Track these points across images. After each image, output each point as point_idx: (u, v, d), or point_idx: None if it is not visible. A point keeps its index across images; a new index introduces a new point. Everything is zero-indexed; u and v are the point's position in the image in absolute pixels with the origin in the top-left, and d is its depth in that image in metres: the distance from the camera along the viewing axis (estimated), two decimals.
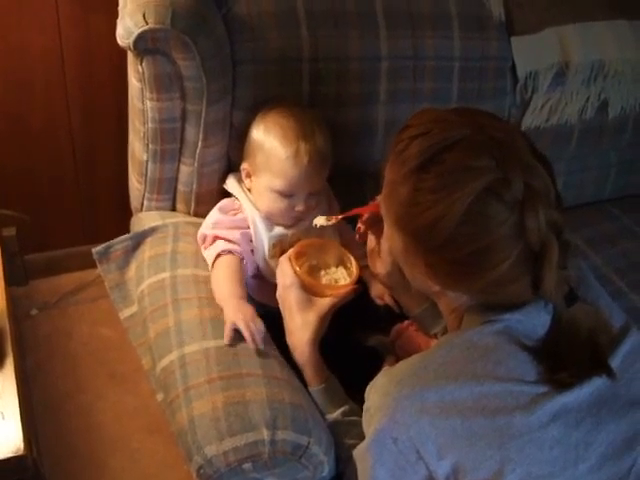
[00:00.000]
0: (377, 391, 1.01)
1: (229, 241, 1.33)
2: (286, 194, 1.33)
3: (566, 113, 1.82)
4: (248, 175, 1.38)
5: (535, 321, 1.01)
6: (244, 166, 1.38)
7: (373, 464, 0.98)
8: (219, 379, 1.13)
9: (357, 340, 1.43)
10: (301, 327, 1.25)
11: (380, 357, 1.36)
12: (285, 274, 1.28)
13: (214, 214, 1.38)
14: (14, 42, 1.75)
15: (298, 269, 1.27)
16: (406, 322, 1.39)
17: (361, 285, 1.33)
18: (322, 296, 1.27)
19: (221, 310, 1.25)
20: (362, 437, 1.03)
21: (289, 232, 1.39)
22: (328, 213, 1.38)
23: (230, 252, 1.32)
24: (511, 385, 0.96)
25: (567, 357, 0.99)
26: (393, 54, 1.53)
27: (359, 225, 1.30)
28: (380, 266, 1.25)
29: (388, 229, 1.07)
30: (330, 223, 1.32)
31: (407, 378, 0.98)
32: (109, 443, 1.78)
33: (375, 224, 1.23)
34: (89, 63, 1.85)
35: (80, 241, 2.12)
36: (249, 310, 1.23)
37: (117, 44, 1.31)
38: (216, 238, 1.34)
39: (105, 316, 2.05)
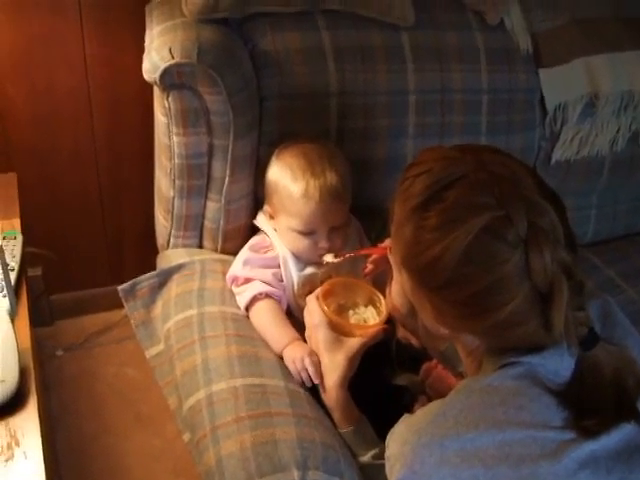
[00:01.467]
0: (396, 440, 0.97)
1: (265, 283, 1.33)
2: (306, 232, 1.33)
3: (597, 145, 1.81)
4: (271, 216, 1.39)
5: (558, 365, 0.96)
6: (266, 208, 1.39)
7: None
8: (247, 418, 1.11)
9: (387, 379, 1.40)
10: (329, 368, 1.22)
11: (411, 396, 1.33)
12: (313, 313, 1.26)
13: (244, 252, 1.38)
14: (41, 81, 1.76)
15: (326, 308, 1.25)
16: (434, 361, 1.36)
17: (391, 325, 1.29)
18: (351, 336, 1.24)
19: (249, 347, 1.24)
20: None
21: (320, 271, 1.37)
22: (359, 247, 1.38)
23: (267, 295, 1.32)
24: (535, 431, 0.91)
25: (592, 403, 0.94)
26: (420, 88, 1.53)
27: (368, 264, 1.31)
28: (394, 309, 1.21)
29: (397, 269, 1.04)
30: (337, 260, 1.32)
31: (425, 426, 0.93)
32: None
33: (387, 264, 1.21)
34: (116, 102, 1.85)
35: (106, 281, 2.10)
36: (308, 347, 1.25)
37: (144, 82, 1.32)
38: (249, 280, 1.34)
39: (131, 357, 2.04)
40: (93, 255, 2.10)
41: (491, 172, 0.93)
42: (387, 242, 1.18)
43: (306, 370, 1.22)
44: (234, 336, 1.26)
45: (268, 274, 1.34)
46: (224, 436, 1.09)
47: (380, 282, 1.33)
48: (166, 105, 1.31)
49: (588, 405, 0.94)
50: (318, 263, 1.37)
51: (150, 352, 1.36)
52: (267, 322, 1.31)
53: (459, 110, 1.58)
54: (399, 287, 1.06)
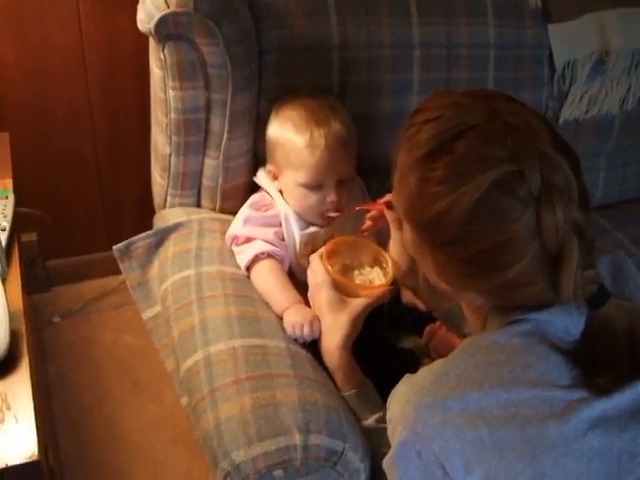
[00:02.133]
0: (397, 400, 0.94)
1: (267, 242, 1.30)
2: (313, 186, 1.30)
3: (606, 104, 1.77)
4: (274, 177, 1.36)
5: (567, 322, 0.93)
6: (269, 168, 1.36)
7: (400, 476, 0.92)
8: (247, 380, 1.08)
9: (391, 342, 1.37)
10: (332, 329, 1.19)
11: (416, 359, 1.32)
12: (316, 273, 1.23)
13: (245, 211, 1.35)
14: (33, 38, 1.73)
15: (330, 268, 1.21)
16: (438, 322, 1.34)
17: (396, 286, 1.26)
18: (355, 297, 1.21)
19: (249, 307, 1.22)
20: None
21: (322, 230, 1.35)
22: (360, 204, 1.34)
23: (269, 255, 1.30)
24: (542, 390, 0.87)
25: (604, 360, 0.90)
26: (426, 41, 1.50)
27: (366, 220, 1.28)
28: (394, 266, 1.19)
29: (398, 223, 1.02)
30: (337, 214, 1.30)
31: (428, 386, 0.90)
32: (132, 454, 1.75)
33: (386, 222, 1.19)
34: (111, 59, 1.82)
35: (103, 247, 2.03)
36: (310, 312, 1.22)
37: (139, 40, 1.29)
38: (250, 239, 1.31)
39: (129, 323, 2.02)
40: (90, 219, 2.09)
41: (504, 122, 0.88)
42: (388, 197, 1.15)
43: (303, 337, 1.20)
44: (233, 296, 1.23)
45: (270, 233, 1.32)
46: (223, 398, 1.06)
47: (384, 241, 1.31)
48: (162, 57, 1.28)
49: (600, 363, 0.90)
50: (320, 222, 1.34)
51: (147, 314, 1.34)
52: (269, 283, 1.28)
53: (465, 66, 1.55)
54: (399, 242, 1.03)
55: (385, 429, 1.06)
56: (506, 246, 0.86)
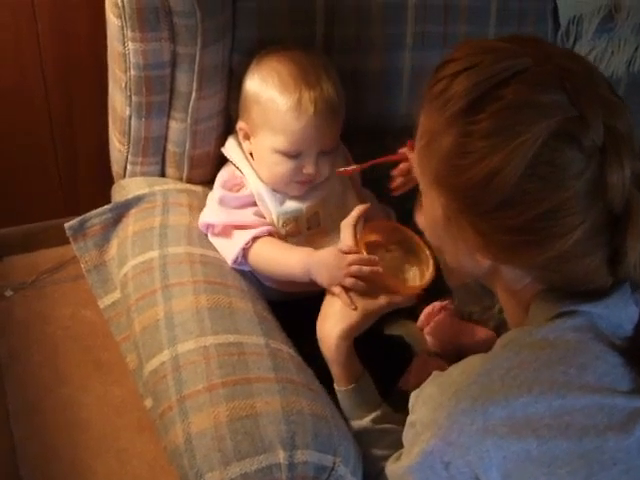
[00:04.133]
0: (426, 403, 0.86)
1: (247, 226, 1.20)
2: (291, 154, 1.19)
3: (612, 64, 1.68)
4: (246, 136, 1.25)
5: (621, 314, 0.86)
6: (240, 125, 1.25)
7: None
8: (222, 386, 0.97)
9: (379, 328, 1.25)
10: (338, 315, 1.09)
11: (407, 349, 1.26)
12: (343, 246, 1.11)
13: (218, 191, 1.24)
14: None
15: (365, 252, 1.09)
16: (437, 303, 1.26)
17: (426, 293, 1.15)
18: (381, 289, 1.09)
19: (222, 296, 1.11)
20: (395, 447, 0.93)
21: (304, 206, 1.23)
22: (347, 178, 1.27)
23: (257, 238, 1.19)
24: (601, 397, 0.80)
25: None
26: None
27: (395, 177, 1.19)
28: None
29: (424, 190, 0.92)
30: (347, 171, 1.21)
31: (465, 388, 0.82)
32: (94, 442, 1.68)
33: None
34: (63, 6, 1.73)
35: (60, 213, 1.98)
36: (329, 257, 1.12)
37: None
38: (228, 228, 1.21)
39: (89, 297, 1.91)
40: (44, 182, 2.01)
41: (558, 65, 0.81)
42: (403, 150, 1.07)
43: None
44: (203, 283, 1.13)
45: (249, 214, 1.21)
46: (194, 408, 0.96)
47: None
48: (119, 3, 1.15)
49: None
50: (297, 196, 1.23)
51: (104, 301, 1.24)
52: (273, 255, 1.18)
53: (464, 18, 1.45)
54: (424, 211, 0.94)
55: (382, 431, 1.06)
56: (566, 207, 0.78)
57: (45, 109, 1.86)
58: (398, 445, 0.92)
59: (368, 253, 1.09)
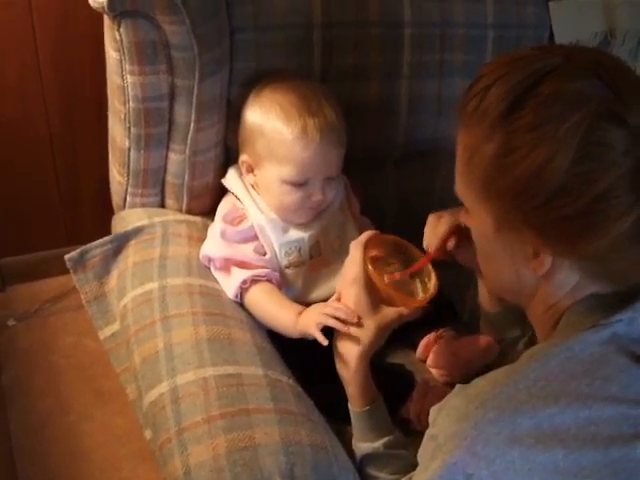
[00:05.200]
0: (450, 415, 0.85)
1: (246, 265, 1.19)
2: (299, 182, 1.18)
3: None
4: (249, 169, 1.23)
5: None
6: (243, 158, 1.24)
7: None
8: (220, 417, 0.96)
9: (380, 357, 1.25)
10: (354, 333, 1.08)
11: (409, 375, 1.25)
12: (353, 265, 1.10)
13: (219, 224, 1.23)
14: None
15: (370, 267, 1.09)
16: (433, 334, 1.28)
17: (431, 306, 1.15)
18: (388, 304, 1.09)
19: (221, 327, 1.11)
20: (404, 473, 0.94)
21: (306, 235, 1.23)
22: (347, 206, 1.28)
23: (256, 279, 1.18)
24: (626, 408, 0.81)
25: None
26: (417, 20, 1.40)
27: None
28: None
29: (471, 209, 0.93)
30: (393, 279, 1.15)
31: (492, 398, 0.82)
32: (96, 471, 1.66)
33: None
34: (64, 36, 1.75)
35: (62, 242, 1.99)
36: (315, 309, 1.11)
37: (96, 19, 1.18)
38: (227, 263, 1.20)
39: (90, 326, 1.90)
40: (46, 213, 2.03)
41: (589, 58, 0.83)
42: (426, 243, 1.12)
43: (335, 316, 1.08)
44: (202, 314, 1.12)
45: (248, 250, 1.20)
46: (193, 440, 0.95)
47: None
48: (117, 37, 1.16)
49: None
50: (300, 225, 1.23)
51: (104, 332, 1.23)
52: (265, 305, 1.17)
53: (460, 47, 1.45)
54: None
55: (392, 455, 1.05)
56: (619, 186, 0.79)
57: (47, 140, 1.88)
58: (407, 471, 0.92)
59: (380, 277, 1.09)
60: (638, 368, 0.83)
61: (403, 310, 1.09)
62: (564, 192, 0.80)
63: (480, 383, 0.86)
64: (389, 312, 1.08)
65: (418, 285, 1.15)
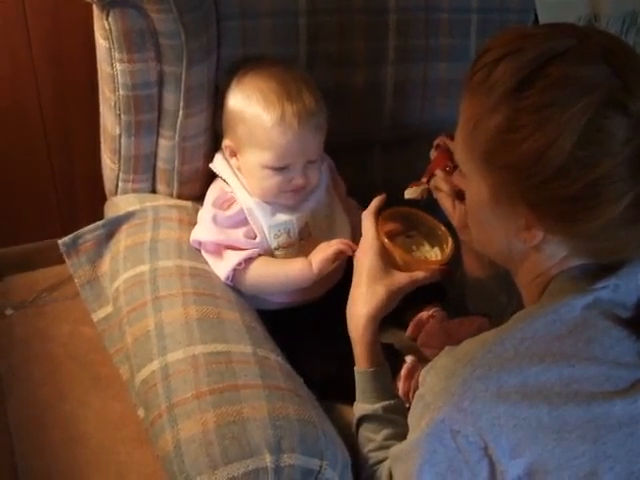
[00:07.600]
0: (438, 373, 0.87)
1: (237, 248, 1.21)
2: (279, 167, 1.19)
3: None
4: (232, 153, 1.25)
5: (630, 284, 0.89)
6: (226, 143, 1.25)
7: (421, 464, 0.86)
8: (210, 393, 0.97)
9: None
10: (364, 297, 1.10)
11: (398, 355, 1.25)
12: (366, 233, 1.14)
13: (209, 210, 1.24)
14: None
15: (383, 236, 1.12)
16: (425, 313, 1.30)
17: (450, 268, 1.17)
18: (404, 270, 1.12)
19: (210, 307, 1.12)
20: (399, 439, 0.95)
21: (294, 217, 1.24)
22: (332, 187, 1.29)
23: (250, 259, 1.21)
24: (608, 368, 0.84)
25: None
26: (402, 5, 1.41)
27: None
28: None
29: (469, 176, 0.93)
30: (421, 189, 1.20)
31: (480, 356, 0.84)
32: (94, 456, 1.67)
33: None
34: (57, 31, 1.75)
35: (58, 232, 1.88)
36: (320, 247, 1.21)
37: (88, 8, 1.16)
38: (219, 247, 1.21)
39: (87, 314, 1.90)
40: (42, 203, 2.03)
41: (599, 42, 0.83)
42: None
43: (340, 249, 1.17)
44: (192, 294, 1.13)
45: (239, 235, 1.21)
46: (183, 415, 0.96)
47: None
48: (106, 26, 1.16)
49: None
50: (288, 207, 1.24)
51: (97, 315, 1.25)
52: (267, 274, 1.21)
53: (445, 32, 1.47)
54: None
55: (388, 420, 1.07)
56: (616, 173, 0.80)
57: (41, 130, 1.88)
58: (402, 439, 0.93)
59: (390, 241, 1.11)
60: (620, 330, 0.85)
61: (417, 274, 1.11)
62: (562, 174, 0.81)
63: (469, 343, 0.88)
64: (400, 276, 1.10)
65: (437, 252, 1.17)
